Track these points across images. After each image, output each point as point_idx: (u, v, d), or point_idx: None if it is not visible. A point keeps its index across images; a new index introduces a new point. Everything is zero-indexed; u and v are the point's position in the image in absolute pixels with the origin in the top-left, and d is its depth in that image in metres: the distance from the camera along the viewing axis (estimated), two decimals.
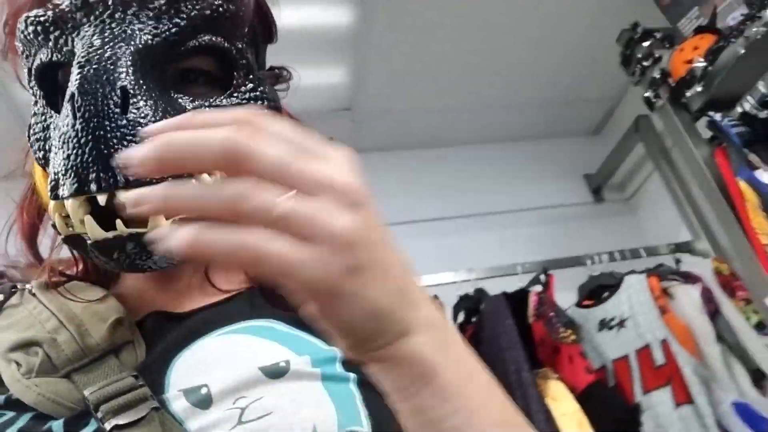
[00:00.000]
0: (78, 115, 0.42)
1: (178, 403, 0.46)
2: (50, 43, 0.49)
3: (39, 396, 0.46)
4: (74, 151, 0.42)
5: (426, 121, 2.56)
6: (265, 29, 0.61)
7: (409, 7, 2.02)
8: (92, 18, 0.48)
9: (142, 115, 0.44)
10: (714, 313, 1.63)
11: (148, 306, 0.56)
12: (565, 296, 1.93)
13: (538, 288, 1.87)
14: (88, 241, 0.45)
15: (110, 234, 0.44)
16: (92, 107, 0.42)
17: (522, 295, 1.81)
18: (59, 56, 0.49)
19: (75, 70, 0.44)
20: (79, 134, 0.42)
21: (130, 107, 0.44)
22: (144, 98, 0.45)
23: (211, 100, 0.51)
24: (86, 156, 0.42)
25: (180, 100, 0.50)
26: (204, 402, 0.46)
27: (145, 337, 0.52)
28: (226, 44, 0.52)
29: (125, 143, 0.42)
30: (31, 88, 0.54)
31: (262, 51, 0.61)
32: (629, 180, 2.64)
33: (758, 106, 1.53)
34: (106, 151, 0.42)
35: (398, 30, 2.10)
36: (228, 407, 0.45)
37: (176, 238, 0.29)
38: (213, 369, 0.48)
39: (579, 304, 1.92)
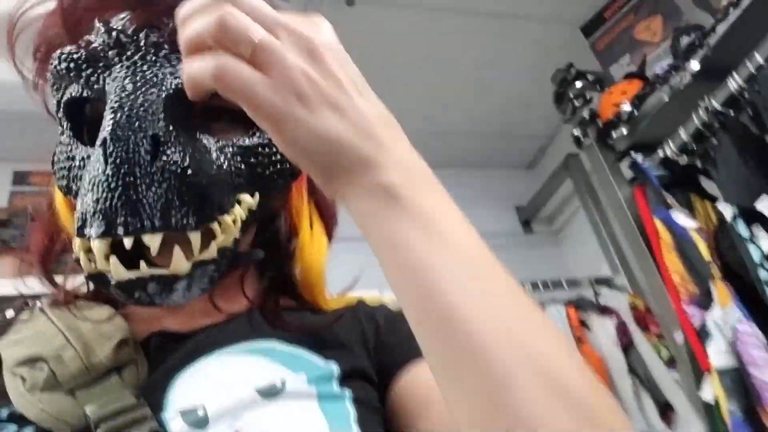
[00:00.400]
0: (110, 160, 0.43)
1: (175, 424, 0.47)
2: (81, 80, 0.51)
3: (42, 412, 0.47)
4: (104, 195, 0.43)
5: None
6: None
7: (352, 25, 2.04)
8: (124, 59, 0.49)
9: (172, 161, 0.45)
10: (627, 346, 1.69)
11: (153, 326, 0.58)
12: None
13: None
14: (111, 281, 0.45)
15: (133, 274, 0.45)
16: (123, 153, 0.43)
17: None
18: (89, 92, 0.51)
19: (108, 116, 0.45)
20: (110, 179, 0.43)
21: (161, 154, 0.44)
22: (174, 145, 0.45)
23: (235, 140, 0.52)
24: (115, 201, 0.43)
25: (205, 141, 0.51)
26: (200, 423, 0.47)
27: (148, 357, 0.54)
28: None
29: (154, 189, 0.43)
30: (59, 118, 0.55)
31: None
32: (558, 214, 2.73)
33: (678, 152, 1.61)
34: (134, 197, 0.43)
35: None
36: (224, 429, 0.47)
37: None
38: (211, 389, 0.50)
39: None
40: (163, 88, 0.47)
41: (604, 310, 1.79)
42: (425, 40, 2.17)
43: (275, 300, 0.62)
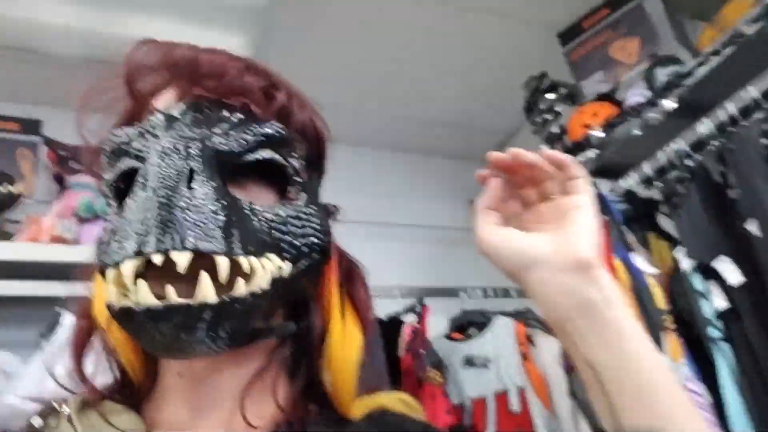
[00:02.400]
0: (148, 185, 0.47)
1: None
2: (132, 152, 0.53)
3: None
4: (138, 217, 0.46)
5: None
6: (320, 164, 0.67)
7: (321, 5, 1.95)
8: (171, 131, 0.52)
9: (204, 192, 0.48)
10: (570, 368, 1.73)
11: None
12: (436, 320, 1.96)
13: (413, 317, 1.90)
14: (137, 309, 0.46)
15: (160, 303, 0.46)
16: (161, 180, 0.47)
17: (395, 323, 1.83)
18: (137, 163, 0.53)
19: (152, 156, 0.49)
20: (146, 203, 0.46)
21: (194, 184, 0.48)
22: (207, 181, 0.49)
23: (268, 207, 0.55)
24: (149, 221, 0.45)
25: (237, 197, 0.53)
26: None
27: None
28: (283, 161, 0.57)
29: (187, 214, 0.46)
30: (108, 199, 0.57)
31: (315, 181, 0.66)
32: None
33: (641, 183, 1.63)
34: (167, 217, 0.46)
35: (309, 18, 2.01)
36: None
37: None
38: None
39: (448, 336, 1.97)
40: (205, 143, 0.51)
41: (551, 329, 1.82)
42: (395, 24, 2.09)
43: (305, 411, 0.61)
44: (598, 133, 1.69)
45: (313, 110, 0.65)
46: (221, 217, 0.48)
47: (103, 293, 0.56)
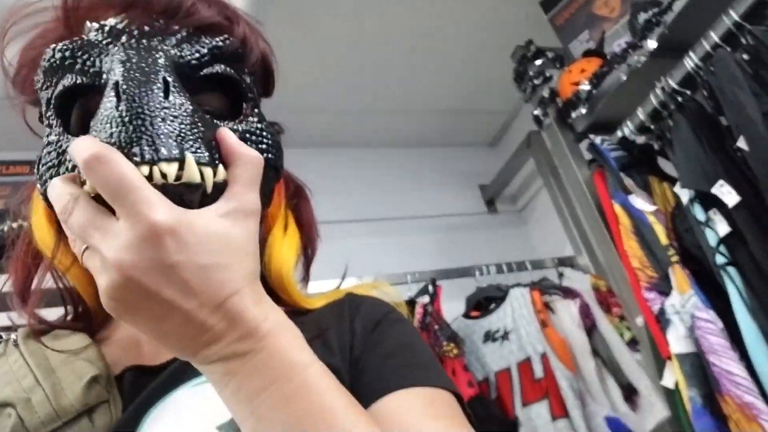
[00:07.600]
0: (123, 97, 0.44)
1: None
2: (77, 67, 0.51)
3: None
4: (117, 128, 0.44)
5: (317, 121, 2.50)
6: (264, 82, 0.66)
7: (307, 3, 1.97)
8: (118, 44, 0.50)
9: (180, 102, 0.46)
10: (591, 328, 1.69)
11: (129, 358, 0.56)
12: (454, 305, 1.94)
13: (426, 299, 1.88)
14: None
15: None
16: (136, 90, 0.45)
17: (408, 306, 1.81)
18: (84, 78, 0.51)
19: (116, 66, 0.47)
20: (123, 114, 0.44)
21: (172, 94, 0.46)
22: (179, 91, 0.47)
23: (224, 123, 0.54)
24: (130, 132, 0.43)
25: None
26: None
27: (123, 394, 0.52)
28: (237, 76, 0.57)
29: (168, 122, 0.45)
30: (47, 118, 0.54)
31: (259, 99, 0.64)
32: (521, 193, 2.71)
33: (636, 132, 1.59)
34: (151, 128, 0.44)
35: (293, 24, 2.03)
36: None
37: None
38: (180, 427, 0.49)
39: (466, 315, 1.94)
40: (165, 55, 0.50)
41: (568, 293, 1.79)
42: (381, 16, 2.10)
43: None
44: (586, 87, 1.66)
45: (264, 42, 0.65)
46: (200, 127, 0.47)
47: (42, 219, 0.56)
